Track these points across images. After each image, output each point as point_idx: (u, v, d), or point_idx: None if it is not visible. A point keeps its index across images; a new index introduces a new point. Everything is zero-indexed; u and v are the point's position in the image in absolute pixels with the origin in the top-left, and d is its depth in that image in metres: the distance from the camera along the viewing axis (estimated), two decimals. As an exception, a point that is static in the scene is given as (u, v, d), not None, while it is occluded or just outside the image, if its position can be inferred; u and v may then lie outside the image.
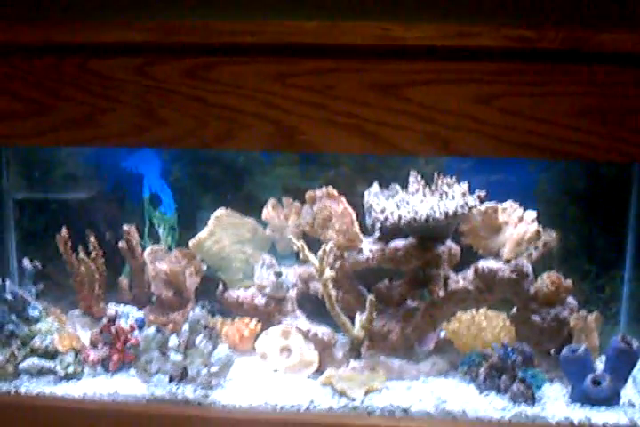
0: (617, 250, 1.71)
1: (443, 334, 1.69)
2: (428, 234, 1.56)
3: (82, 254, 1.62)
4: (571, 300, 1.62)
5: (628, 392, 1.55)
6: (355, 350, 1.61)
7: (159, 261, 1.64)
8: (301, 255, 1.56)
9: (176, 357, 1.51)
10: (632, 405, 1.51)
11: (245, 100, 1.35)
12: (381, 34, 1.30)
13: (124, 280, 1.67)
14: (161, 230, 1.72)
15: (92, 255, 1.64)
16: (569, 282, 1.59)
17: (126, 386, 1.54)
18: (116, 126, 1.38)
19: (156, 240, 1.73)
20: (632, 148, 1.31)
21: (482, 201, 1.57)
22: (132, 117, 1.37)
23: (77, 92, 1.38)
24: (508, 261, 1.58)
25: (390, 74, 1.32)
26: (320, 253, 1.54)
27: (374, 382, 1.52)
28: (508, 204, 1.60)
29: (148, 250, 1.65)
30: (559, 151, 1.33)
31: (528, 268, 1.59)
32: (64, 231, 1.62)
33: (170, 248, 1.71)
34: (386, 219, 1.53)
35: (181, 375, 1.52)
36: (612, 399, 1.51)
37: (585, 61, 1.29)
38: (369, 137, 1.34)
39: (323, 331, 1.61)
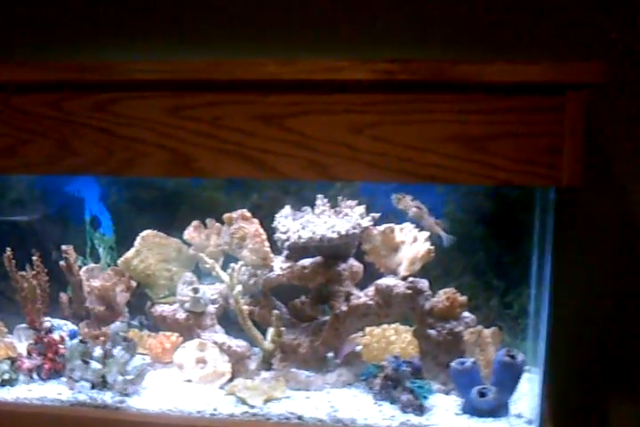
0: (524, 268, 1.80)
1: (359, 347, 1.81)
2: (330, 253, 1.69)
3: (24, 272, 1.79)
4: (467, 315, 1.72)
5: (519, 405, 1.64)
6: (266, 362, 1.73)
7: (94, 278, 1.81)
8: (213, 273, 1.71)
9: (96, 365, 1.66)
10: (519, 416, 1.60)
11: (145, 131, 1.51)
12: (259, 70, 1.45)
13: (64, 296, 1.83)
14: (101, 250, 1.87)
15: (34, 273, 1.80)
16: (464, 298, 1.70)
17: (55, 392, 1.68)
18: (35, 156, 1.55)
19: (97, 259, 1.88)
20: (493, 171, 1.43)
21: (376, 222, 1.70)
22: (48, 148, 1.54)
23: (2, 126, 1.56)
24: (404, 279, 1.70)
25: (272, 106, 1.47)
26: (229, 270, 1.68)
27: (275, 391, 1.64)
28: (406, 224, 1.72)
29: (84, 268, 1.81)
30: (427, 175, 1.45)
31: (424, 284, 1.70)
32: (8, 251, 1.79)
33: (109, 266, 1.86)
34: (288, 239, 1.67)
35: (102, 383, 1.67)
36: (498, 411, 1.60)
37: (446, 91, 1.42)
38: (255, 164, 1.48)
39: (238, 344, 1.74)
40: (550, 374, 1.77)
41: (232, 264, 1.69)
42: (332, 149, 1.46)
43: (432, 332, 1.69)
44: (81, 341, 1.68)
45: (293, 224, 1.68)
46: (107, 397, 1.65)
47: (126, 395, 1.66)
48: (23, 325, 1.84)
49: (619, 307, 1.90)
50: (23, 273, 1.79)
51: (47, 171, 1.58)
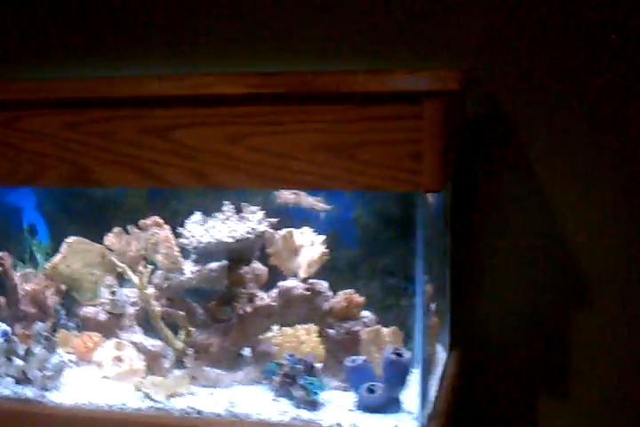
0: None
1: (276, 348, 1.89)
2: (232, 256, 1.78)
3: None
4: (367, 315, 1.80)
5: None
6: (178, 361, 1.83)
7: (28, 282, 1.94)
8: (126, 276, 1.83)
9: (18, 362, 1.78)
10: (409, 413, 1.67)
11: (47, 146, 1.64)
12: (137, 86, 1.56)
13: (1, 299, 1.96)
14: (38, 256, 2.01)
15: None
16: (361, 299, 1.78)
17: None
18: (-48, 168, 1.70)
19: (36, 265, 2.02)
20: (360, 177, 1.51)
21: (274, 227, 1.79)
22: (-38, 160, 1.69)
23: None
24: (304, 281, 1.78)
25: (157, 119, 1.58)
26: (137, 273, 1.80)
27: (179, 387, 1.75)
28: (305, 229, 1.81)
29: (18, 273, 1.95)
30: (299, 182, 1.54)
31: (322, 286, 1.79)
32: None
33: (45, 271, 2.00)
34: (190, 243, 1.78)
35: (24, 378, 1.79)
36: (388, 407, 1.67)
37: (312, 102, 1.51)
38: (144, 173, 1.60)
39: (153, 344, 1.84)
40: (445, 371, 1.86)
41: (140, 267, 1.80)
42: (212, 158, 1.57)
43: (331, 331, 1.77)
44: (5, 340, 1.80)
45: (198, 230, 1.79)
46: (29, 391, 1.78)
47: (46, 390, 1.78)
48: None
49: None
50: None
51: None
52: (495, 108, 1.94)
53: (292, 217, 1.84)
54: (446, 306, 1.96)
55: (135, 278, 1.81)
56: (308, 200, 1.81)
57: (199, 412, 1.69)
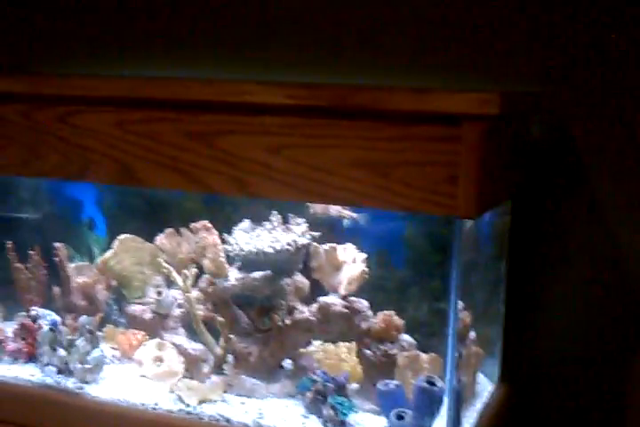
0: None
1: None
2: (273, 267, 1.75)
3: (20, 264, 1.98)
4: (406, 338, 1.73)
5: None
6: (217, 367, 1.81)
7: (81, 275, 1.97)
8: (171, 278, 1.82)
9: (62, 353, 1.81)
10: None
11: (96, 142, 1.65)
12: (182, 90, 1.55)
13: (56, 289, 2.00)
14: (95, 250, 2.03)
15: (29, 266, 1.99)
16: (400, 321, 1.71)
17: (28, 373, 1.86)
18: (7, 159, 1.74)
19: (92, 258, 2.04)
20: (396, 197, 1.44)
21: (317, 240, 1.74)
22: (19, 152, 1.72)
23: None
24: (344, 298, 1.73)
25: (202, 124, 1.56)
26: (182, 276, 1.80)
27: (213, 394, 1.73)
28: (348, 244, 1.75)
29: (73, 265, 1.98)
30: (335, 197, 1.50)
31: (362, 304, 1.73)
32: (9, 244, 1.98)
33: (100, 265, 2.02)
34: (233, 250, 1.76)
35: (66, 369, 1.82)
36: (415, 435, 1.61)
37: (352, 117, 1.45)
38: (185, 177, 1.59)
39: (195, 347, 1.83)
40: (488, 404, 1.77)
41: (184, 271, 1.79)
42: (251, 167, 1.54)
43: (367, 352, 1.72)
44: (51, 329, 1.84)
45: (243, 237, 1.76)
46: (69, 382, 1.81)
47: (85, 382, 1.81)
48: (22, 313, 2.02)
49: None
50: (18, 265, 1.98)
51: (18, 173, 1.76)
52: (563, 133, 1.84)
53: (338, 232, 1.80)
54: (497, 336, 1.87)
55: (179, 280, 1.80)
56: (335, 209, 1.77)
57: (228, 420, 1.68)
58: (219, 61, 2.10)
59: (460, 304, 1.60)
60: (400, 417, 1.61)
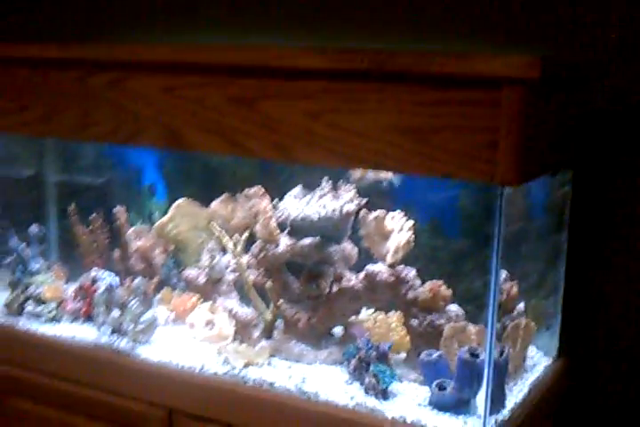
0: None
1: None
2: (320, 233, 1.74)
3: (80, 227, 2.04)
4: (454, 309, 1.69)
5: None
6: (267, 332, 1.82)
7: (139, 239, 2.00)
8: (223, 242, 1.83)
9: (116, 313, 1.86)
10: (480, 416, 1.56)
11: (146, 107, 1.68)
12: (223, 54, 1.55)
13: (117, 252, 2.04)
14: (156, 214, 2.06)
15: (90, 229, 2.04)
16: (448, 291, 1.67)
17: (85, 332, 1.93)
18: (66, 124, 1.79)
19: (152, 223, 2.06)
20: (434, 163, 1.41)
21: (362, 208, 1.71)
22: (75, 118, 1.77)
23: (38, 98, 1.81)
24: (391, 266, 1.70)
25: (244, 89, 1.56)
26: (233, 240, 1.80)
27: (259, 357, 1.75)
28: (396, 213, 1.72)
29: (131, 229, 2.02)
30: (374, 162, 1.48)
31: (408, 273, 1.70)
32: (72, 207, 2.03)
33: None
34: (282, 216, 1.75)
35: (120, 329, 1.86)
36: (457, 407, 1.58)
37: (391, 81, 1.42)
38: (229, 141, 1.60)
39: (245, 312, 1.85)
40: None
41: (235, 235, 1.80)
42: (292, 132, 1.53)
43: (414, 322, 1.69)
44: (107, 290, 1.88)
45: (292, 203, 1.75)
46: (123, 342, 1.86)
47: (138, 343, 1.85)
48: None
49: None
50: (81, 228, 2.03)
51: (75, 137, 1.80)
52: (630, 103, 1.75)
53: (388, 199, 1.76)
54: (555, 309, 1.81)
55: (230, 245, 1.81)
56: (386, 175, 1.74)
57: (271, 384, 1.69)
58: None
59: (505, 274, 1.56)
60: (442, 388, 1.59)
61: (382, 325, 1.80)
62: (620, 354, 1.85)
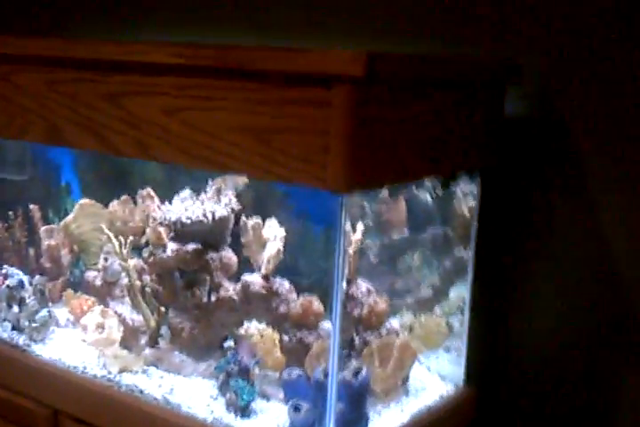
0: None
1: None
2: (203, 240, 1.67)
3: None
4: (328, 325, 1.59)
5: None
6: (152, 340, 1.76)
7: (50, 238, 1.98)
8: (110, 244, 1.78)
9: (15, 310, 1.85)
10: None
11: (32, 102, 1.65)
12: (87, 50, 1.52)
13: (31, 251, 2.02)
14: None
15: (5, 226, 2.03)
16: (320, 307, 1.58)
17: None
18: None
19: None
20: (274, 166, 1.33)
21: (237, 214, 1.64)
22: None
23: None
24: (265, 277, 1.62)
25: (110, 85, 1.53)
26: (117, 244, 1.75)
27: (134, 364, 1.70)
28: (273, 221, 1.63)
29: (43, 228, 2.00)
30: (220, 164, 1.41)
31: (281, 286, 1.61)
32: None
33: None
34: (160, 218, 1.69)
35: (19, 326, 1.85)
36: (311, 427, 1.48)
37: (236, 78, 1.35)
38: (99, 139, 1.56)
39: (135, 318, 1.78)
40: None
41: (120, 237, 1.75)
42: (151, 129, 1.48)
43: (285, 338, 1.61)
44: (8, 287, 1.86)
45: (177, 206, 1.69)
46: (21, 339, 1.85)
47: (34, 341, 1.84)
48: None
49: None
50: (-6, 226, 2.03)
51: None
52: (546, 107, 1.63)
53: (267, 206, 1.68)
54: (460, 330, 1.69)
55: (116, 248, 1.76)
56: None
57: (141, 391, 1.65)
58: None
59: (365, 287, 1.46)
60: (296, 409, 1.49)
61: (268, 340, 1.71)
62: (535, 389, 1.72)
